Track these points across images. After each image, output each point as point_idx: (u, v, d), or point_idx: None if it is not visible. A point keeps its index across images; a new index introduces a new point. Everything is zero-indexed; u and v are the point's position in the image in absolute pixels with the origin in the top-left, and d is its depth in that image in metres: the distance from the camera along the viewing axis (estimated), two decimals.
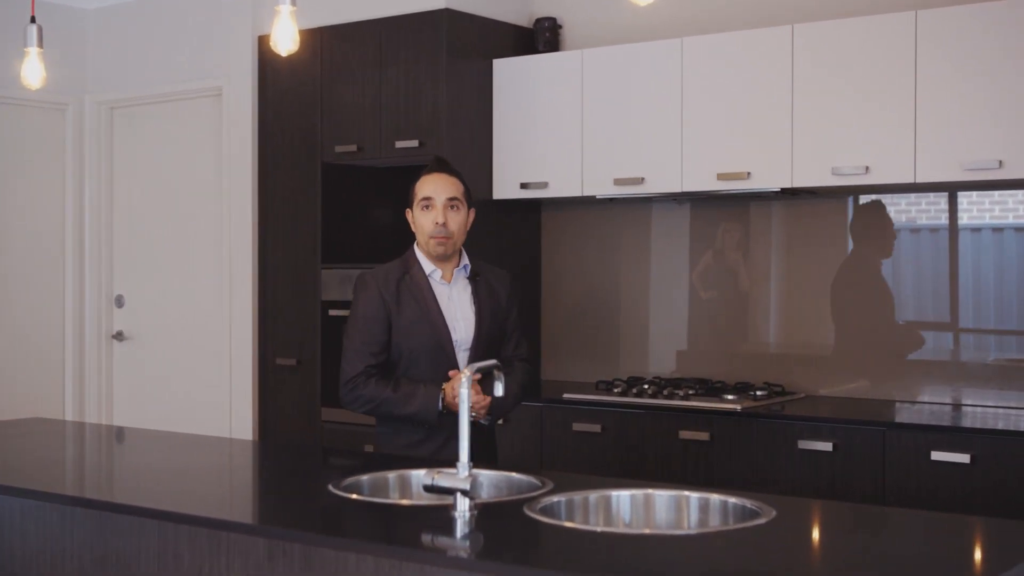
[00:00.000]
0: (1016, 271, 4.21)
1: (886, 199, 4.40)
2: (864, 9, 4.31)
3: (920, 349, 4.39)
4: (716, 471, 4.07)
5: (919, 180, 4.00)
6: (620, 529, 2.60)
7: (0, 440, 3.61)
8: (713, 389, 4.40)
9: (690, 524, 2.63)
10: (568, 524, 2.46)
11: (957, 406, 4.25)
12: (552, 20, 5.04)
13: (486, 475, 2.84)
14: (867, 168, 4.08)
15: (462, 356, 3.32)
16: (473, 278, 3.39)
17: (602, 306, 5.03)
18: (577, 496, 2.63)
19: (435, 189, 3.32)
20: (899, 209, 4.41)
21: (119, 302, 6.16)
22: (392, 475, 2.90)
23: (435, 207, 3.30)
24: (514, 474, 2.86)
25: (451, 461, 2.46)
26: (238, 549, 2.46)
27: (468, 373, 2.52)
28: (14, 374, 5.94)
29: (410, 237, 3.42)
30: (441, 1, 4.74)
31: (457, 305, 3.35)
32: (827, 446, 3.88)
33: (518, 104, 4.85)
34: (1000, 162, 3.86)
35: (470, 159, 4.77)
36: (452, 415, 3.09)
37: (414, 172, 3.43)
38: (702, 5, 4.78)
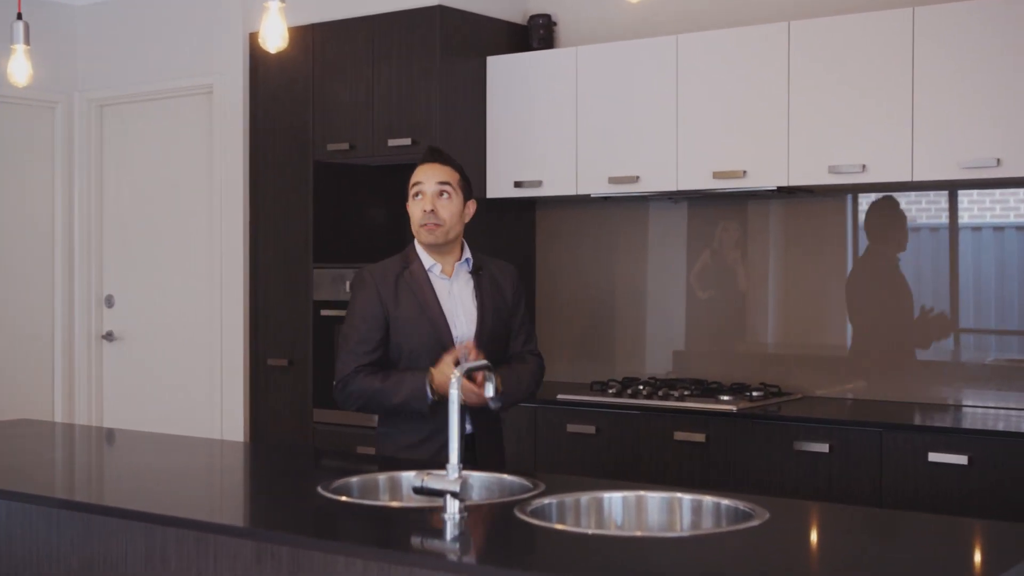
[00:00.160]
0: (1017, 271, 4.18)
1: (897, 196, 4.36)
2: (861, 6, 4.28)
3: (920, 349, 4.35)
4: (711, 473, 4.04)
5: (916, 178, 3.97)
6: (611, 531, 2.57)
7: None
8: (709, 390, 4.37)
9: (682, 526, 2.60)
10: (559, 526, 2.45)
11: (956, 407, 4.22)
12: (547, 17, 5.01)
13: (477, 477, 2.82)
14: (864, 166, 4.05)
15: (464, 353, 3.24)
16: (476, 272, 3.32)
17: (597, 306, 5.00)
18: (568, 498, 2.60)
19: (426, 177, 3.26)
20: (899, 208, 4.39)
21: (109, 302, 6.12)
22: (382, 477, 2.88)
23: (425, 194, 3.24)
24: (505, 476, 2.83)
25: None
26: (226, 552, 2.44)
27: (458, 374, 2.49)
28: (3, 375, 5.91)
29: (403, 236, 3.38)
30: None
31: (458, 300, 3.28)
32: (823, 447, 3.85)
33: (512, 102, 4.82)
34: (998, 160, 3.83)
35: (463, 157, 4.68)
36: (446, 404, 3.02)
37: (407, 170, 3.39)
38: (698, 2, 4.76)
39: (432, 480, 2.39)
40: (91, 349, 6.13)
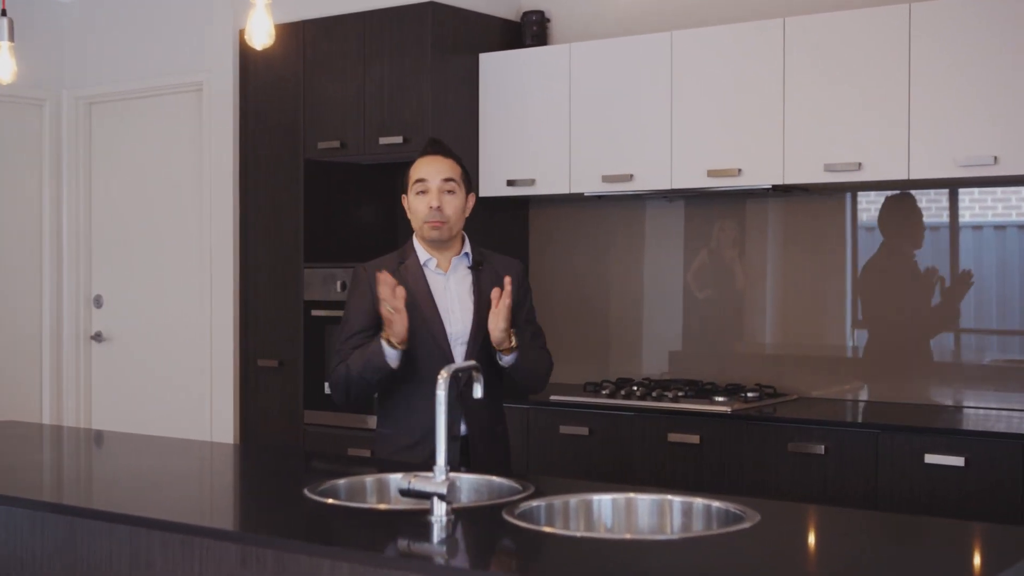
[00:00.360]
0: (1018, 270, 4.14)
1: (897, 195, 4.32)
2: (857, 2, 4.26)
3: (919, 349, 4.31)
4: (705, 474, 4.00)
5: (913, 176, 3.94)
6: (601, 534, 2.54)
7: None
8: (703, 391, 4.33)
9: (673, 529, 2.57)
10: (547, 529, 2.43)
11: (955, 408, 4.19)
12: (540, 13, 4.97)
13: (465, 479, 2.80)
14: (860, 164, 4.02)
15: (459, 350, 3.16)
16: (476, 267, 3.25)
17: (592, 306, 4.97)
18: (557, 500, 2.57)
19: (430, 171, 3.19)
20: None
21: (98, 302, 6.08)
22: (370, 479, 2.85)
23: (430, 190, 3.18)
24: (495, 478, 2.80)
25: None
26: (211, 555, 2.42)
27: (445, 375, 2.45)
28: None
29: (395, 235, 3.32)
30: None
31: (454, 296, 3.21)
32: (819, 449, 3.81)
33: (505, 99, 4.78)
34: (995, 158, 3.80)
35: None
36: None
37: (399, 168, 3.33)
38: None
39: (419, 482, 2.37)
40: (79, 350, 6.08)
